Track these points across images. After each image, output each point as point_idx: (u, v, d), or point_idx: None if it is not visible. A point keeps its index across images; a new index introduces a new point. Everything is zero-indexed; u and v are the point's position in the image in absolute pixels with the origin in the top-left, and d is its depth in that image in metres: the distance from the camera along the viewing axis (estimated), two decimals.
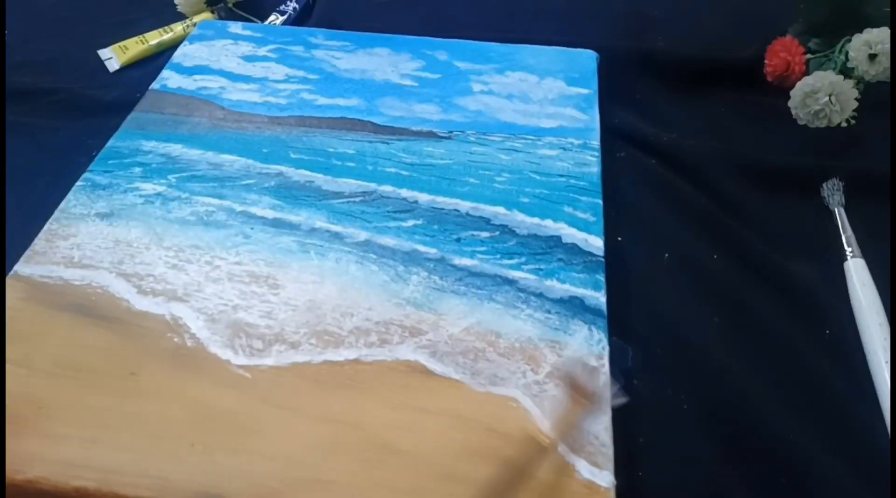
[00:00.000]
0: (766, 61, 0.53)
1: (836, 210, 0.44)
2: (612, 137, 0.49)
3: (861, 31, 0.48)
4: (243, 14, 0.64)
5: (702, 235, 0.43)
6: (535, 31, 0.60)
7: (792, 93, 0.49)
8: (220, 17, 0.63)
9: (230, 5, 0.64)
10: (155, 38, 0.60)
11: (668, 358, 0.37)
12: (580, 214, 0.41)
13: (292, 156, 0.45)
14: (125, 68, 0.58)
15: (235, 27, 0.57)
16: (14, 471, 0.29)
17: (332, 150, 0.46)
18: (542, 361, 0.34)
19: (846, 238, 0.42)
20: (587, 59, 0.53)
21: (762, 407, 0.35)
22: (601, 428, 0.31)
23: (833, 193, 0.45)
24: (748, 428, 0.34)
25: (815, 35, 0.53)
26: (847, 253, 0.41)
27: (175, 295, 0.36)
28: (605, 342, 0.35)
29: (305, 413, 0.32)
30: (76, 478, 0.29)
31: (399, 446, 0.31)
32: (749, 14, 0.62)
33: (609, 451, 0.30)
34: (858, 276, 0.40)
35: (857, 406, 0.35)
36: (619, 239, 0.43)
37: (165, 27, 0.61)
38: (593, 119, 0.48)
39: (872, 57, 0.47)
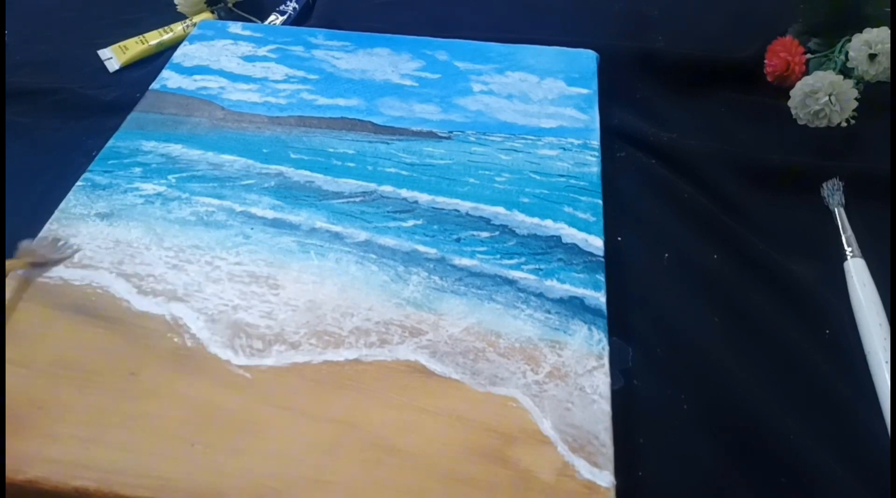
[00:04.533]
0: (766, 61, 0.53)
1: (836, 210, 0.44)
2: (612, 137, 0.49)
3: (861, 31, 0.48)
4: (243, 14, 0.64)
5: (702, 235, 0.43)
6: (535, 31, 0.60)
7: (792, 93, 0.49)
8: (220, 18, 0.63)
9: (230, 5, 0.64)
10: (155, 38, 0.60)
11: (668, 358, 0.37)
12: (580, 214, 0.41)
13: (292, 156, 0.45)
14: (125, 68, 0.58)
15: (235, 27, 0.57)
16: (14, 471, 0.29)
17: (332, 150, 0.46)
18: (541, 361, 0.34)
19: (846, 238, 0.42)
20: (587, 59, 0.53)
21: (762, 407, 0.35)
22: (601, 428, 0.31)
23: (833, 193, 0.45)
24: (748, 428, 0.34)
25: (815, 35, 0.53)
26: (847, 253, 0.41)
27: (175, 295, 0.36)
28: (605, 342, 0.35)
29: (305, 413, 0.32)
30: (76, 478, 0.29)
31: (399, 446, 0.31)
32: (749, 14, 0.62)
33: (609, 451, 0.30)
34: (858, 276, 0.40)
35: (857, 406, 0.35)
36: (619, 239, 0.43)
37: (165, 27, 0.61)
38: (593, 119, 0.48)
39: (872, 57, 0.47)
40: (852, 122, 0.48)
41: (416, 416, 0.32)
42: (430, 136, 0.47)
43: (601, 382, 0.33)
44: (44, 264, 0.37)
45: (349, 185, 0.43)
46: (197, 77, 0.51)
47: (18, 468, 0.29)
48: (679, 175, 0.47)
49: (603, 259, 0.39)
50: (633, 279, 0.41)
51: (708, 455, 0.33)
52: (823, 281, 0.41)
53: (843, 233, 0.43)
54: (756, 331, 0.38)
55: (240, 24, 0.58)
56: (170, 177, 0.43)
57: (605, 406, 0.32)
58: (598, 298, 0.37)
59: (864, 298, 0.39)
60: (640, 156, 0.49)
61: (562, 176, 0.44)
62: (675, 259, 0.42)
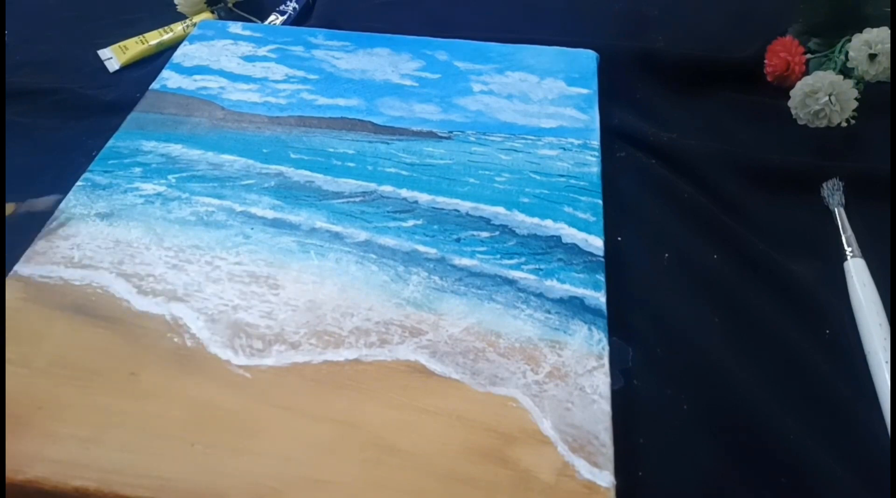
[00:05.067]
0: (766, 61, 0.53)
1: (836, 210, 0.44)
2: (612, 137, 0.49)
3: (861, 31, 0.48)
4: (243, 14, 0.64)
5: (702, 236, 0.43)
6: (534, 31, 0.60)
7: (792, 93, 0.49)
8: (220, 17, 0.63)
9: (230, 5, 0.64)
10: (155, 38, 0.60)
11: (668, 358, 0.37)
12: (580, 214, 0.41)
13: (292, 156, 0.45)
14: (125, 68, 0.58)
15: (235, 27, 0.57)
16: (14, 471, 0.29)
17: (332, 150, 0.46)
18: (542, 361, 0.34)
19: (846, 238, 0.42)
20: (587, 59, 0.53)
21: (762, 407, 0.35)
22: (601, 428, 0.31)
23: (833, 193, 0.45)
24: (748, 428, 0.34)
25: (814, 35, 0.53)
26: (847, 253, 0.41)
27: (175, 295, 0.36)
28: (605, 342, 0.35)
29: (305, 413, 0.32)
30: (76, 478, 0.29)
31: (399, 446, 0.30)
32: (749, 14, 0.62)
33: (609, 451, 0.30)
34: (858, 276, 0.40)
35: (857, 406, 0.35)
36: (619, 239, 0.43)
37: (165, 27, 0.61)
38: (593, 119, 0.48)
39: (872, 57, 0.47)
40: (852, 122, 0.48)
41: (416, 416, 0.32)
42: (430, 136, 0.47)
43: (601, 381, 0.33)
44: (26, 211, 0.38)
45: (349, 185, 0.43)
46: (197, 77, 0.51)
47: (18, 468, 0.29)
48: (679, 175, 0.47)
49: (603, 259, 0.39)
50: (633, 279, 0.41)
51: (708, 455, 0.33)
52: (823, 281, 0.41)
53: (843, 233, 0.43)
54: (756, 331, 0.38)
55: (240, 24, 0.58)
56: (170, 177, 0.43)
57: (605, 406, 0.32)
58: (598, 297, 0.37)
59: (864, 298, 0.39)
60: (640, 156, 0.49)
61: (562, 176, 0.44)
62: (675, 259, 0.42)
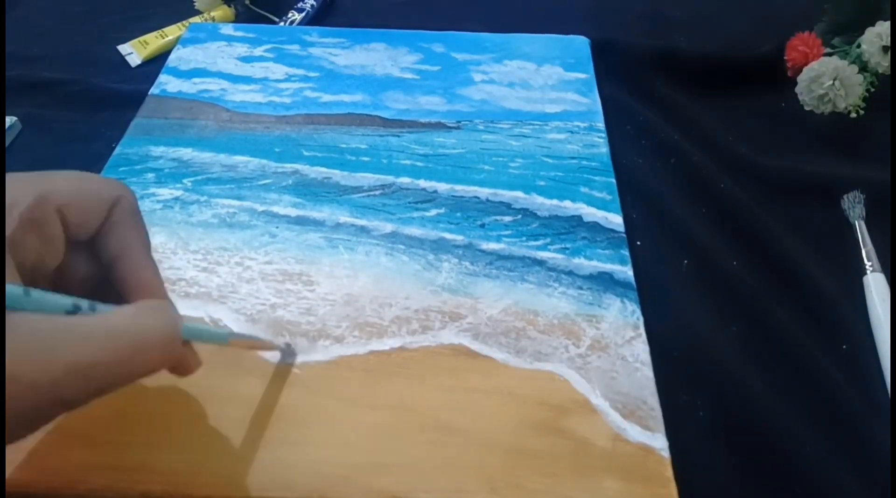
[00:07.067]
0: (785, 57, 0.52)
1: (856, 223, 0.43)
2: (634, 138, 0.49)
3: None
4: (260, 11, 0.63)
5: (721, 242, 0.43)
6: (555, 29, 0.58)
7: (799, 79, 0.49)
8: (237, 12, 0.63)
9: (247, 2, 0.64)
10: (174, 32, 0.60)
11: (684, 364, 0.36)
12: (596, 194, 0.42)
13: (305, 154, 0.45)
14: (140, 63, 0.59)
15: (226, 29, 0.56)
16: (74, 481, 0.29)
17: (344, 145, 0.46)
18: (581, 335, 0.35)
19: (866, 252, 0.41)
20: (580, 44, 0.55)
21: (778, 418, 0.34)
22: (647, 393, 0.32)
23: (854, 206, 0.44)
24: (763, 438, 0.34)
25: (838, 34, 0.52)
26: (867, 267, 0.40)
27: (210, 297, 0.36)
28: (638, 313, 0.36)
29: (361, 402, 0.32)
30: (140, 483, 0.29)
31: (458, 426, 0.31)
32: (772, 16, 0.62)
33: (658, 414, 0.32)
34: (878, 290, 0.39)
35: (873, 421, 0.34)
36: (638, 243, 0.42)
37: (184, 21, 0.61)
38: (595, 102, 0.49)
39: (886, 49, 0.47)
40: (861, 113, 0.47)
41: (469, 396, 0.32)
42: (440, 126, 0.48)
43: (641, 350, 0.34)
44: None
45: (367, 179, 0.44)
46: (196, 80, 0.51)
47: (79, 478, 0.29)
48: (700, 179, 0.47)
49: (625, 235, 0.40)
50: (652, 284, 0.39)
51: (722, 463, 0.33)
52: (842, 294, 0.40)
53: (864, 247, 0.41)
54: (773, 341, 0.38)
55: (231, 25, 0.57)
56: (185, 181, 0.43)
57: (649, 373, 0.33)
58: (626, 271, 0.38)
59: (882, 313, 0.38)
60: (662, 157, 0.48)
61: (573, 158, 0.45)
62: (694, 265, 0.42)
